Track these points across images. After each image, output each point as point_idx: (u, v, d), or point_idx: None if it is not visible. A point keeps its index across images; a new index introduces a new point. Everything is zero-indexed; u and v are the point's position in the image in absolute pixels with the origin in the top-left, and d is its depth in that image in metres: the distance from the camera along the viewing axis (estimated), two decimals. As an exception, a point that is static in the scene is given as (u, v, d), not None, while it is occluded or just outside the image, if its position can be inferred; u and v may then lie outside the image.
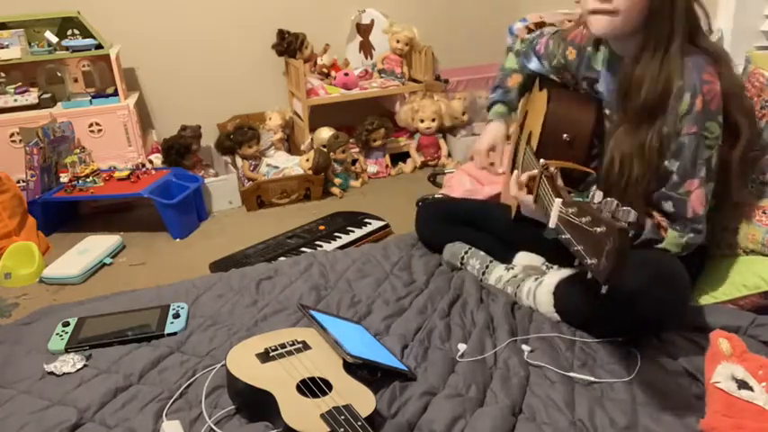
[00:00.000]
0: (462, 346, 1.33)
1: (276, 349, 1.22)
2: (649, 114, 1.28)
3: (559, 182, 1.14)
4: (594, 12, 1.25)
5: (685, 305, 1.34)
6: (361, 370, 1.20)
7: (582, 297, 1.36)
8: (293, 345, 1.24)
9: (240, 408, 1.16)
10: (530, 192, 1.29)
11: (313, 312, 1.36)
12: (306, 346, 1.24)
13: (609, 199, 0.93)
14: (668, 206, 1.31)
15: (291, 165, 2.76)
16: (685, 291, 1.31)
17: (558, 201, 1.05)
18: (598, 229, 0.90)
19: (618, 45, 1.36)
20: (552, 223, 1.06)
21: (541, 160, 1.23)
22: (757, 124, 1.44)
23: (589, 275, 0.94)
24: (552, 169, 1.18)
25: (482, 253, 1.70)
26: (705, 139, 1.26)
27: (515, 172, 1.35)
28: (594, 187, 1.44)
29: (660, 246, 1.32)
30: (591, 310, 1.35)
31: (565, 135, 1.40)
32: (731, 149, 1.32)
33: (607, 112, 1.44)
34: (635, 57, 1.29)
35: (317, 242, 2.15)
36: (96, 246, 2.21)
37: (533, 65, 1.66)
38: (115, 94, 2.64)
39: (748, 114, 1.35)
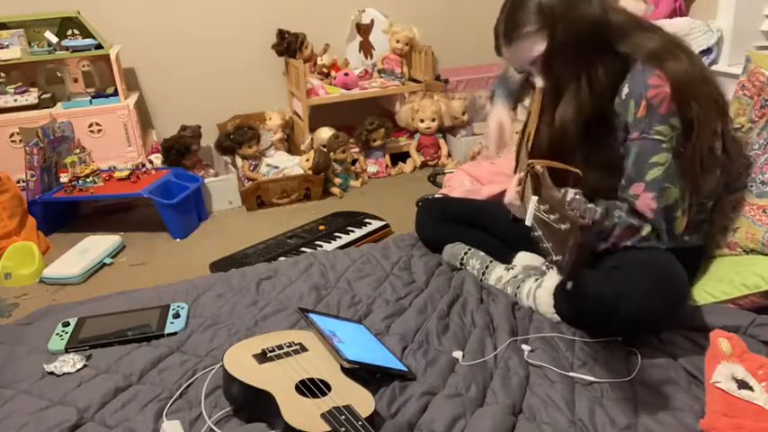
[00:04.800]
0: (458, 354, 1.33)
1: (273, 350, 1.21)
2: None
3: (547, 181, 1.15)
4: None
5: (684, 306, 1.34)
6: (359, 372, 1.20)
7: (581, 299, 1.36)
8: (290, 346, 1.24)
9: (238, 409, 1.16)
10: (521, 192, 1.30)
11: (312, 315, 1.36)
12: (303, 348, 1.24)
13: (579, 197, 0.95)
14: (623, 207, 1.33)
15: (291, 165, 2.76)
16: (684, 291, 1.31)
17: (534, 198, 1.06)
18: (563, 226, 0.92)
19: None
20: (528, 221, 1.07)
21: (529, 159, 1.24)
22: (726, 109, 1.38)
23: (556, 272, 0.95)
24: (538, 168, 1.19)
25: (482, 253, 1.70)
26: (654, 143, 1.26)
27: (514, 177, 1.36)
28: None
29: (644, 236, 1.32)
30: (590, 312, 1.35)
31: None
32: (696, 145, 1.28)
33: None
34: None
35: (317, 242, 2.15)
36: (96, 246, 2.21)
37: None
38: (115, 94, 2.64)
39: (714, 107, 1.32)
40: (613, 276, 1.26)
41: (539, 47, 1.27)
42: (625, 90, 1.27)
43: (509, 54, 1.34)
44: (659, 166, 1.27)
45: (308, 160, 2.69)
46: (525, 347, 1.34)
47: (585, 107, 1.29)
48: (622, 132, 1.31)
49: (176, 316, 1.52)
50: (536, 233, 1.03)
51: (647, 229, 1.31)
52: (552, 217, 0.96)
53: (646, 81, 1.24)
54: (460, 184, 2.36)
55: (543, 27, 1.25)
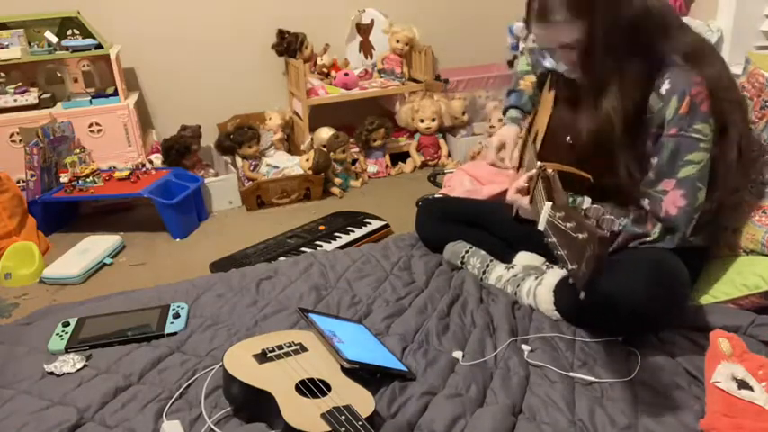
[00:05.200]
0: (458, 354, 1.33)
1: (273, 350, 1.21)
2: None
3: (557, 184, 1.14)
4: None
5: (685, 303, 1.34)
6: (359, 372, 1.20)
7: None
8: (290, 346, 1.24)
9: (237, 409, 1.16)
10: (528, 191, 1.29)
11: (312, 316, 1.36)
12: (303, 348, 1.24)
13: (595, 206, 0.94)
14: (645, 203, 1.33)
15: (291, 165, 2.76)
16: (685, 289, 1.32)
17: (548, 204, 1.05)
18: (581, 236, 0.91)
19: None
20: (541, 226, 1.06)
21: (538, 162, 1.24)
22: (749, 121, 1.43)
23: (570, 281, 0.95)
24: (549, 171, 1.19)
25: (483, 252, 1.70)
26: (693, 141, 1.26)
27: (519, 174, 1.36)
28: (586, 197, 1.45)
29: (648, 240, 1.32)
30: (591, 309, 1.35)
31: (568, 138, 1.40)
32: (723, 148, 1.31)
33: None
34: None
35: (317, 242, 2.15)
36: (96, 246, 2.21)
37: (548, 62, 1.67)
38: (115, 94, 2.64)
39: (739, 108, 1.34)
40: (615, 271, 1.26)
41: (573, 35, 1.26)
42: (665, 86, 1.26)
43: (539, 33, 1.32)
44: (694, 165, 1.27)
45: (308, 160, 2.69)
46: (525, 347, 1.34)
47: (630, 99, 1.28)
48: (656, 129, 1.30)
49: (176, 316, 1.52)
50: (550, 239, 1.02)
51: (654, 236, 1.32)
52: (569, 225, 0.95)
53: (690, 79, 1.24)
54: (460, 184, 2.36)
55: (580, 17, 1.24)
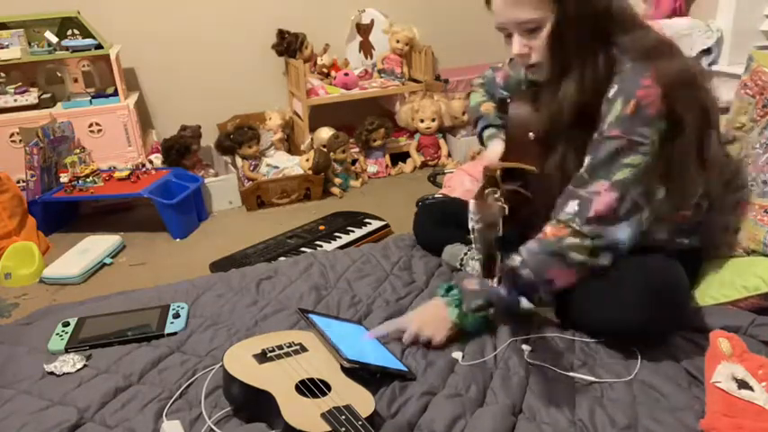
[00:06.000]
0: (458, 354, 1.33)
1: (273, 350, 1.21)
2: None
3: (499, 182, 1.17)
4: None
5: (684, 310, 1.33)
6: (359, 372, 1.20)
7: (581, 303, 1.36)
8: (290, 346, 1.24)
9: (237, 409, 1.16)
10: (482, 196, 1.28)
11: (311, 316, 1.36)
12: (303, 348, 1.24)
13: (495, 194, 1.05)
14: (573, 206, 1.26)
15: (291, 165, 2.76)
16: (683, 297, 1.31)
17: (472, 202, 1.08)
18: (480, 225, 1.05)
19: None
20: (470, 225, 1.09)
21: (484, 165, 1.27)
22: (716, 117, 1.33)
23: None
24: (493, 169, 1.21)
25: (482, 254, 1.69)
26: (634, 144, 1.19)
27: None
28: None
29: (540, 249, 1.29)
30: (590, 316, 1.35)
31: (530, 133, 1.37)
32: (678, 149, 1.23)
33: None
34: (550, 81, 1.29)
35: (317, 242, 2.15)
36: (96, 246, 2.21)
37: (503, 94, 1.67)
38: (115, 94, 2.64)
39: (701, 111, 1.25)
40: (614, 277, 1.25)
41: (537, 13, 1.21)
42: (614, 87, 1.22)
43: (501, 7, 1.26)
44: (631, 168, 1.21)
45: (308, 160, 2.69)
46: (525, 347, 1.34)
47: (587, 92, 1.24)
48: (598, 134, 1.25)
49: (176, 316, 1.52)
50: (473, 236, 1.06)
51: (581, 259, 1.26)
52: (475, 217, 1.03)
53: (638, 80, 1.19)
54: (460, 184, 2.36)
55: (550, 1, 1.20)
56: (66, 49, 2.57)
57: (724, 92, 1.77)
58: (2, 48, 2.51)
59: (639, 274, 1.24)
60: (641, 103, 1.18)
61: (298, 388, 1.10)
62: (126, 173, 2.47)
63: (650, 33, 1.29)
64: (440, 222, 1.83)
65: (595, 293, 1.29)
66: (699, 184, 1.33)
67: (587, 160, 1.26)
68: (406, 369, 1.26)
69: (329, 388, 1.11)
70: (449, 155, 3.07)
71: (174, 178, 2.48)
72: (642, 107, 1.18)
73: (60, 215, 2.50)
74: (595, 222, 1.23)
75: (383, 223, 2.28)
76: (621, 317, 1.24)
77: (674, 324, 1.32)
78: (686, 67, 1.26)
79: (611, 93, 1.22)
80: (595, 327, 1.34)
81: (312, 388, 1.10)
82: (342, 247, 2.04)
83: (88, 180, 2.41)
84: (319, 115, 2.96)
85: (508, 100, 1.59)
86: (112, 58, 2.59)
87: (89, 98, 2.62)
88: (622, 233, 1.24)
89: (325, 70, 3.09)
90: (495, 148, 1.58)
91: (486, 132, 1.66)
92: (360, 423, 0.99)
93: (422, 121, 2.99)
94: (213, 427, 1.12)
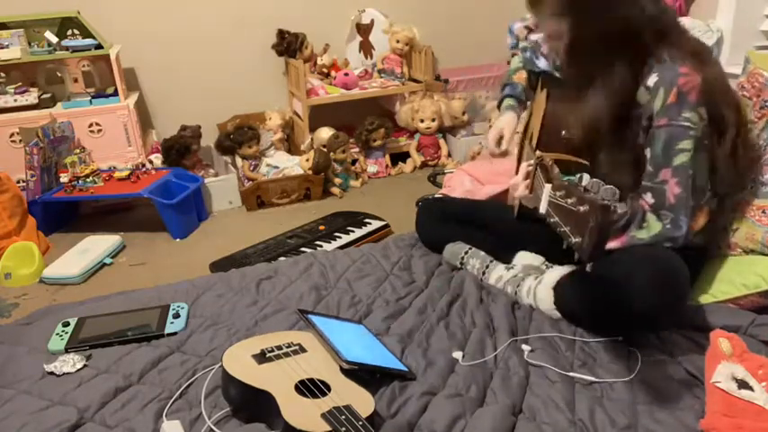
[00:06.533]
0: (458, 354, 1.33)
1: (272, 351, 1.21)
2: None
3: (555, 171, 1.15)
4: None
5: (684, 301, 1.34)
6: (359, 372, 1.20)
7: (582, 293, 1.37)
8: (290, 347, 1.24)
9: (236, 409, 1.16)
10: (528, 181, 1.31)
11: (311, 317, 1.36)
12: (302, 349, 1.24)
13: (595, 180, 0.96)
14: (649, 197, 1.32)
15: (291, 165, 2.76)
16: (684, 287, 1.31)
17: (548, 186, 1.06)
18: (581, 208, 0.93)
19: None
20: (543, 208, 1.07)
21: (537, 151, 1.24)
22: (747, 122, 1.43)
23: (576, 257, 0.97)
24: (547, 160, 1.19)
25: (482, 253, 1.70)
26: (683, 129, 1.26)
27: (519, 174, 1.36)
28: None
29: (639, 235, 1.32)
30: (591, 307, 1.35)
31: (563, 132, 1.41)
32: (718, 144, 1.32)
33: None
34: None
35: (317, 242, 2.15)
36: (96, 246, 2.21)
37: (542, 63, 1.68)
38: (115, 94, 2.64)
39: (735, 109, 1.35)
40: (615, 270, 1.26)
41: (560, 30, 1.29)
42: (653, 78, 1.28)
43: (527, 4, 1.36)
44: (686, 152, 1.27)
45: (308, 160, 2.69)
46: (525, 347, 1.34)
47: (616, 98, 1.30)
48: (646, 121, 1.31)
49: (176, 316, 1.52)
50: (552, 219, 1.04)
51: (650, 231, 1.31)
52: (570, 201, 0.97)
53: (677, 69, 1.25)
54: (460, 184, 2.36)
55: (566, 15, 1.27)
56: (67, 49, 2.57)
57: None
58: (2, 48, 2.50)
59: (646, 262, 1.26)
60: (682, 89, 1.25)
61: (297, 388, 1.10)
62: (126, 173, 2.47)
63: (689, 38, 1.34)
64: (440, 220, 1.83)
65: (598, 281, 1.29)
66: (733, 178, 1.38)
67: (648, 153, 1.32)
68: (406, 369, 1.26)
69: (329, 388, 1.11)
70: (449, 155, 3.07)
71: (174, 178, 2.48)
72: (684, 93, 1.25)
73: (60, 215, 2.50)
74: (671, 209, 1.30)
75: (383, 223, 2.28)
76: (625, 304, 1.24)
77: (675, 313, 1.32)
78: (722, 73, 1.34)
79: (651, 81, 1.28)
80: (597, 318, 1.34)
81: (312, 388, 1.10)
82: (342, 247, 2.04)
83: (88, 180, 2.41)
84: (319, 115, 2.96)
85: (540, 79, 1.64)
86: (112, 58, 2.59)
87: (89, 98, 2.61)
88: (684, 213, 1.30)
89: (325, 70, 3.09)
90: (506, 119, 1.70)
91: (506, 102, 1.76)
92: (360, 423, 0.99)
93: (422, 121, 2.99)
94: (213, 427, 1.12)
